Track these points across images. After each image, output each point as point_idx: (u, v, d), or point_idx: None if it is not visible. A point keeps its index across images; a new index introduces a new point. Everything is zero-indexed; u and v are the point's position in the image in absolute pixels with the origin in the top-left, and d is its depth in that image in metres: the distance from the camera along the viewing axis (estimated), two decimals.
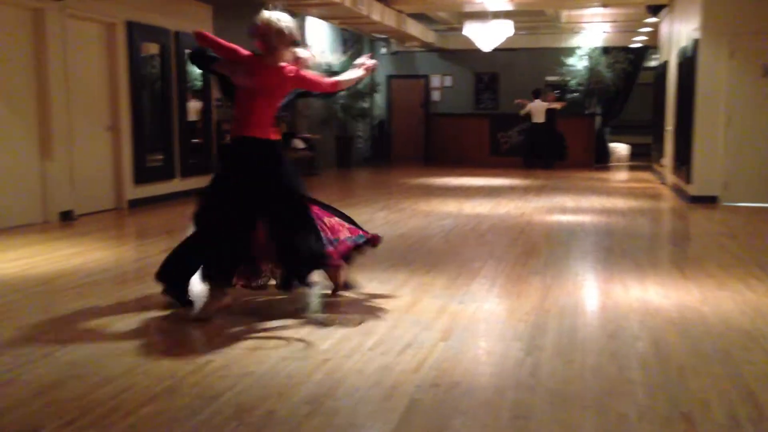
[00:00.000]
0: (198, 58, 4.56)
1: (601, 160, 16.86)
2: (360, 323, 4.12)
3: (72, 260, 5.87)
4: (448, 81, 18.62)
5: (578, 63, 17.13)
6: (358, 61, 4.73)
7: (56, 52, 7.90)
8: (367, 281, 5.13)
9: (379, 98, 17.93)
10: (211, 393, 3.11)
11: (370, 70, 4.69)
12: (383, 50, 18.40)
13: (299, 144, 13.21)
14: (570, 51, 17.36)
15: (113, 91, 8.94)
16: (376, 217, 8.53)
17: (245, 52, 4.25)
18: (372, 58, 4.77)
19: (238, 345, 3.74)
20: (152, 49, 9.70)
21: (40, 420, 2.83)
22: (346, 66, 15.72)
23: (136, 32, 9.15)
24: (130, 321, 4.16)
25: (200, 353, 3.61)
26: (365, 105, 16.29)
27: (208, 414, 2.90)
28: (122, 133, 9.03)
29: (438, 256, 6.23)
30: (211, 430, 2.77)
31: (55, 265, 5.70)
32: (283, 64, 4.23)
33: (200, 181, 10.63)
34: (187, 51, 10.15)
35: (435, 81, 18.69)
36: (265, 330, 4.01)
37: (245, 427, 2.79)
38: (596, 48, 17.19)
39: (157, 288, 4.40)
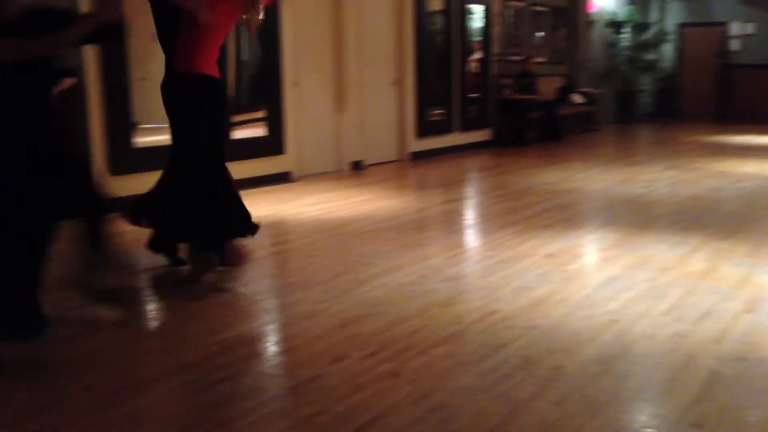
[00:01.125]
0: None
1: None
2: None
3: (363, 207, 6.31)
4: (750, 28, 16.60)
5: None
6: None
7: (352, 11, 8.43)
8: (655, 243, 4.84)
9: (668, 49, 16.58)
10: (497, 342, 3.15)
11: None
12: None
13: (578, 99, 12.74)
14: None
15: (399, 46, 9.32)
16: (662, 176, 7.97)
17: None
18: None
19: (521, 297, 3.74)
20: (436, 5, 9.92)
21: (344, 350, 3.10)
22: (632, 16, 14.83)
23: None
24: (416, 267, 4.36)
25: (485, 303, 3.67)
26: (653, 57, 15.18)
27: (495, 362, 2.94)
28: (406, 88, 9.43)
29: (738, 220, 5.65)
30: (498, 378, 2.80)
31: (348, 210, 6.17)
32: None
33: (477, 135, 10.81)
34: (467, 6, 10.28)
35: (735, 28, 16.77)
36: (543, 284, 3.95)
37: (533, 379, 2.79)
38: None
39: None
